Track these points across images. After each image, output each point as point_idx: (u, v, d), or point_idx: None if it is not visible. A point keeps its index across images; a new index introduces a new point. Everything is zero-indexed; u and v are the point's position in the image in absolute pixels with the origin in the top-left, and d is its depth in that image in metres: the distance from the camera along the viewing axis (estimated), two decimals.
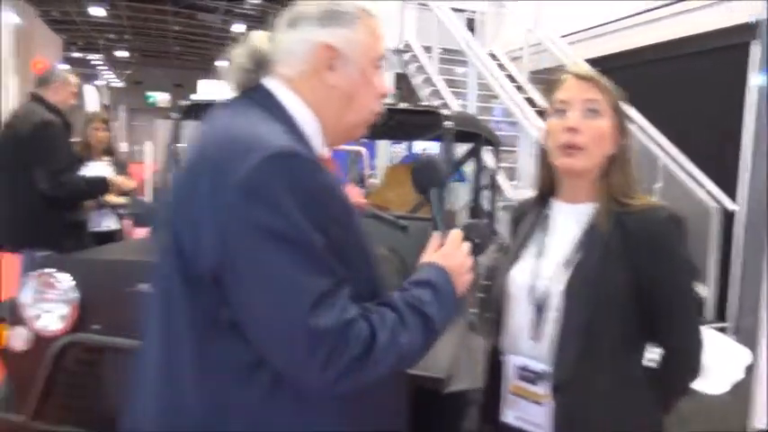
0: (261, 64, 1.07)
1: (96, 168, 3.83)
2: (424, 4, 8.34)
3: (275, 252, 0.88)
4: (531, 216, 1.41)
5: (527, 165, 5.05)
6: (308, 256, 0.88)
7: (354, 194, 1.20)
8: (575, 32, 7.04)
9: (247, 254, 0.89)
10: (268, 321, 0.89)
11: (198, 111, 3.06)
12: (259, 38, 1.09)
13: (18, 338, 2.03)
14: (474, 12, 8.38)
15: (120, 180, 3.67)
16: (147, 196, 5.86)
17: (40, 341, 2.00)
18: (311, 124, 1.06)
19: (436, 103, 7.07)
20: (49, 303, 1.99)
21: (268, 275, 0.88)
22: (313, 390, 0.93)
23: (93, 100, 29.12)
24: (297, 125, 1.04)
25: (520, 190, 5.00)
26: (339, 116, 1.08)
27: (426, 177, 1.24)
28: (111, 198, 3.89)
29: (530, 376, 1.32)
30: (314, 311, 0.86)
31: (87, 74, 30.91)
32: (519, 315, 1.35)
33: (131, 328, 2.00)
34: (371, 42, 1.08)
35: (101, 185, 3.55)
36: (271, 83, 1.07)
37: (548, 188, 1.39)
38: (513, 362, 1.35)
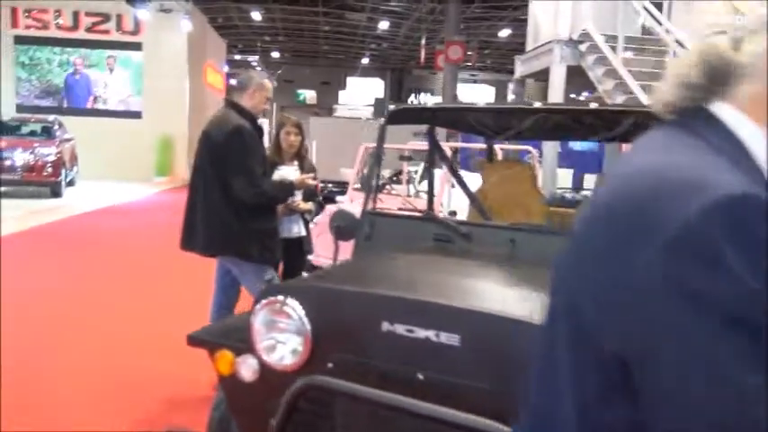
0: (715, 78, 0.74)
1: (286, 173, 3.78)
2: None
3: (718, 334, 0.60)
4: None
5: None
6: None
7: None
8: None
9: (672, 334, 0.63)
10: None
11: (402, 116, 2.83)
12: (717, 43, 0.75)
13: (247, 368, 1.89)
14: None
15: (302, 178, 3.57)
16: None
17: (270, 374, 1.84)
18: None
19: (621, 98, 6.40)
20: (281, 334, 1.82)
21: (703, 366, 0.61)
22: None
23: None
24: (757, 165, 0.71)
25: None
26: None
27: None
28: (300, 204, 3.82)
29: None
30: None
31: None
32: None
33: (371, 373, 1.80)
34: None
35: (288, 189, 3.47)
36: (720, 107, 0.74)
37: None
38: None
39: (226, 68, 25.78)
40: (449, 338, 1.57)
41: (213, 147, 3.15)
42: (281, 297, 1.82)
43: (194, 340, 2.06)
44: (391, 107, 2.83)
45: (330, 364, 1.75)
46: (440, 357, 1.59)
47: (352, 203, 6.06)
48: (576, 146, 14.41)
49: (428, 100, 36.07)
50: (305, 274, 4.33)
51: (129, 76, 17.34)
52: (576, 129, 2.69)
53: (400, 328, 1.64)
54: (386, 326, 1.66)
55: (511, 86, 10.21)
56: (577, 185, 13.59)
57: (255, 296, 1.90)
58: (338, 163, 10.98)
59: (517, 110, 2.43)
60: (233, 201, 3.11)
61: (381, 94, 35.72)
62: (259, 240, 3.18)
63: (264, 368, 1.85)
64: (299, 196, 3.77)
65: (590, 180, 13.97)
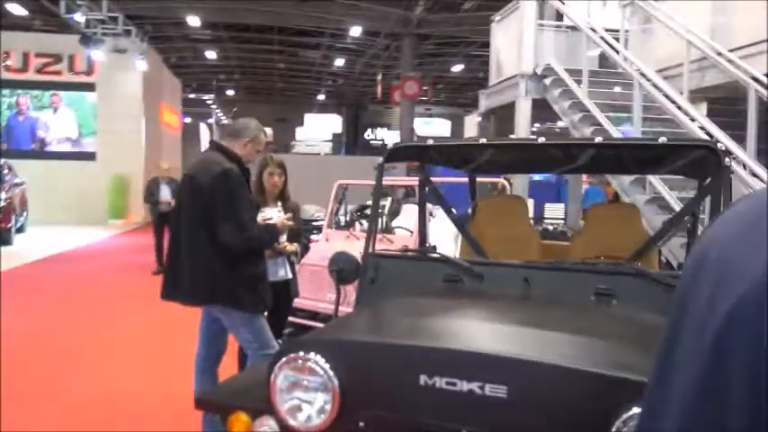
0: None
1: (270, 215, 3.65)
2: (560, 26, 7.88)
3: None
4: None
5: None
6: None
7: None
8: (751, 44, 6.30)
9: None
10: None
11: (400, 154, 2.76)
12: None
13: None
14: (617, 30, 7.80)
15: (282, 220, 3.42)
16: None
17: None
18: None
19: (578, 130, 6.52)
20: (306, 393, 1.68)
21: None
22: None
23: (205, 137, 30.71)
24: None
25: None
26: None
27: None
28: (286, 246, 3.70)
29: None
30: None
31: (201, 113, 32.72)
32: None
33: (408, 431, 1.67)
34: None
35: (274, 232, 3.33)
36: None
37: None
38: None
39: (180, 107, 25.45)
40: (495, 390, 1.48)
41: (198, 191, 3.00)
42: (302, 353, 1.69)
43: (204, 403, 1.90)
44: (390, 145, 2.76)
45: (361, 424, 1.63)
46: (485, 411, 1.49)
47: (327, 242, 5.94)
48: (535, 176, 14.79)
49: (385, 135, 36.36)
50: (296, 320, 4.17)
51: (75, 117, 16.83)
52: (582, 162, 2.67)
53: (440, 382, 1.53)
54: (424, 379, 1.55)
55: (473, 120, 10.35)
56: (539, 215, 13.84)
57: (274, 353, 1.76)
58: (300, 200, 10.84)
59: (532, 145, 2.39)
60: (220, 247, 2.96)
61: (339, 129, 35.85)
62: (250, 287, 3.03)
63: (286, 430, 1.71)
64: (283, 237, 3.65)
65: (550, 209, 14.25)
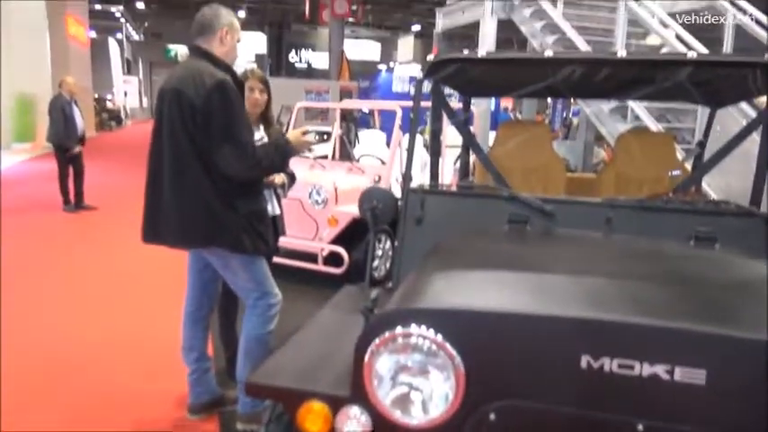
0: None
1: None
2: None
3: None
4: None
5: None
6: None
7: None
8: None
9: None
10: None
11: (444, 68, 2.28)
12: None
13: (355, 427, 1.34)
14: None
15: (297, 135, 2.85)
16: None
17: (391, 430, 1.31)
18: None
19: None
20: (416, 378, 1.29)
21: None
22: None
23: (116, 54, 28.11)
24: None
25: None
26: None
27: None
28: (274, 178, 3.18)
29: None
30: None
31: (108, 27, 29.77)
32: None
33: (559, 423, 1.30)
34: None
35: (284, 151, 2.63)
36: None
37: None
38: None
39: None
40: (690, 376, 1.14)
41: (190, 110, 2.40)
42: (403, 328, 1.28)
43: (258, 388, 1.46)
44: (429, 57, 2.26)
45: (492, 416, 1.26)
46: (674, 401, 1.16)
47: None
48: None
49: (310, 56, 34.76)
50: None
51: None
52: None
53: (611, 364, 1.18)
54: (587, 360, 1.19)
55: (408, 41, 9.76)
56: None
57: (364, 327, 1.34)
58: None
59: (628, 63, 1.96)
60: (217, 179, 2.42)
61: (262, 50, 33.88)
62: (251, 226, 2.54)
63: (383, 425, 1.32)
64: None
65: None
